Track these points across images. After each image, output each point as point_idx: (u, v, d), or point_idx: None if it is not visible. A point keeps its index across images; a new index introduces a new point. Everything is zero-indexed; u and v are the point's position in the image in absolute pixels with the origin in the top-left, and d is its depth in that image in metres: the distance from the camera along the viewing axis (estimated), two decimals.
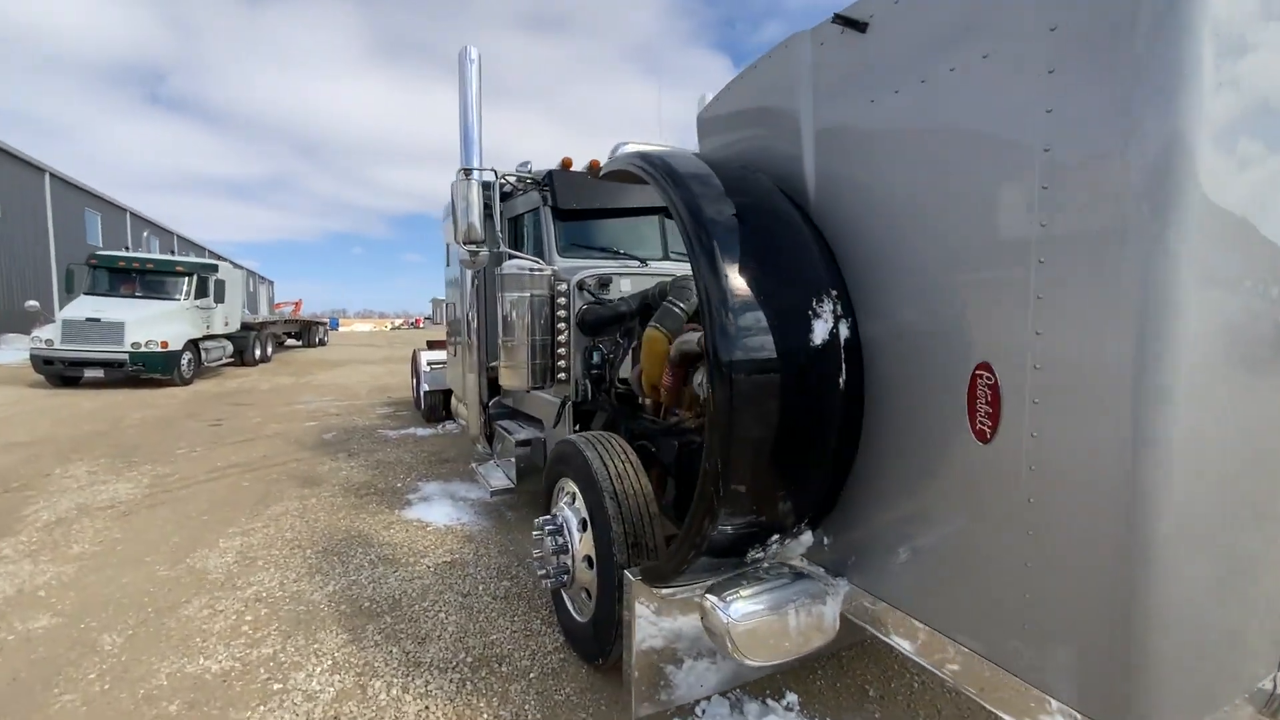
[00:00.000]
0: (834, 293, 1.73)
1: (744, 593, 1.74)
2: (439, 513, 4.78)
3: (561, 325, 3.68)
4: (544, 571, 2.87)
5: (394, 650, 2.87)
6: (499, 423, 4.86)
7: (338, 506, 4.93)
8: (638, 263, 4.02)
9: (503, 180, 3.95)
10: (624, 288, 3.75)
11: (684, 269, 4.01)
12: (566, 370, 3.56)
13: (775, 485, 1.71)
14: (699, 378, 2.58)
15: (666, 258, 4.25)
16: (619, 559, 2.38)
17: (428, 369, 8.13)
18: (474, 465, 5.06)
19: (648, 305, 3.32)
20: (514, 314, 3.71)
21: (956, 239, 1.44)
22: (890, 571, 1.72)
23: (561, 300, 3.70)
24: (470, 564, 3.85)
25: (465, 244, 3.74)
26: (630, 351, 3.42)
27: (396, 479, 5.75)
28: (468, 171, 3.76)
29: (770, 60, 2.06)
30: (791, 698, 2.49)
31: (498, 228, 3.89)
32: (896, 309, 1.65)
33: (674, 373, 2.79)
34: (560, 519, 2.85)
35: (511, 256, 3.88)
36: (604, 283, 3.67)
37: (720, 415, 1.61)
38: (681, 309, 3.09)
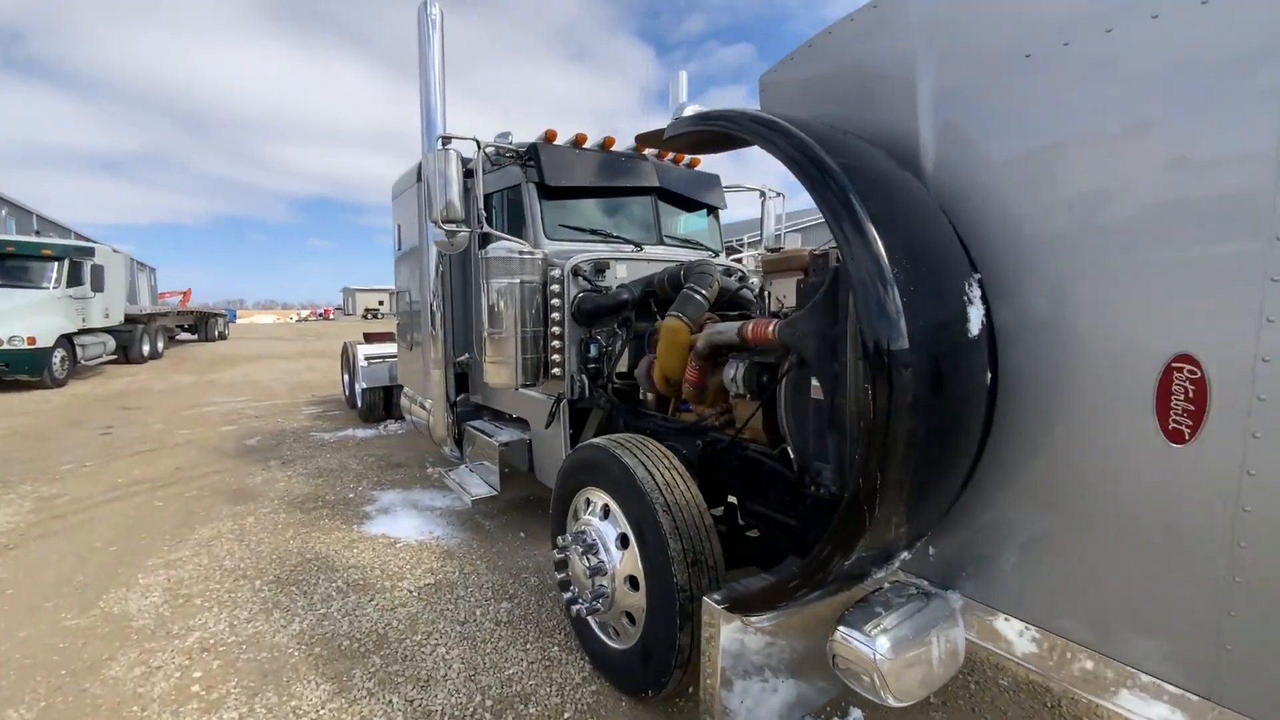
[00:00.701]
0: (976, 275, 1.53)
1: (886, 623, 1.53)
2: (406, 526, 4.26)
3: (555, 315, 3.35)
4: (573, 595, 2.53)
5: (394, 700, 2.44)
6: (469, 424, 4.44)
7: (282, 525, 4.29)
8: (632, 247, 3.74)
9: (487, 151, 3.49)
10: (620, 274, 3.50)
11: (680, 255, 3.94)
12: (560, 365, 3.28)
13: (925, 496, 1.52)
14: (731, 371, 2.39)
15: (661, 242, 4.01)
16: (679, 579, 2.10)
17: (365, 364, 7.42)
18: (442, 473, 4.57)
19: (651, 293, 3.18)
20: (501, 303, 3.34)
21: (1151, 211, 1.25)
22: (1022, 582, 1.57)
23: (555, 288, 3.36)
24: (458, 585, 3.42)
25: (444, 223, 3.27)
26: (630, 344, 3.22)
27: (346, 489, 5.12)
28: (445, 140, 3.31)
29: (866, 18, 1.80)
30: (857, 714, 2.31)
31: (480, 205, 3.44)
32: (1042, 294, 1.47)
33: (699, 366, 2.60)
34: (591, 535, 2.51)
35: (496, 238, 3.48)
36: (600, 268, 3.40)
37: (882, 420, 1.36)
38: (704, 296, 2.85)
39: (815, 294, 1.86)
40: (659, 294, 3.14)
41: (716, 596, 1.92)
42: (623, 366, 3.26)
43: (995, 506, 1.64)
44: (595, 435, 3.16)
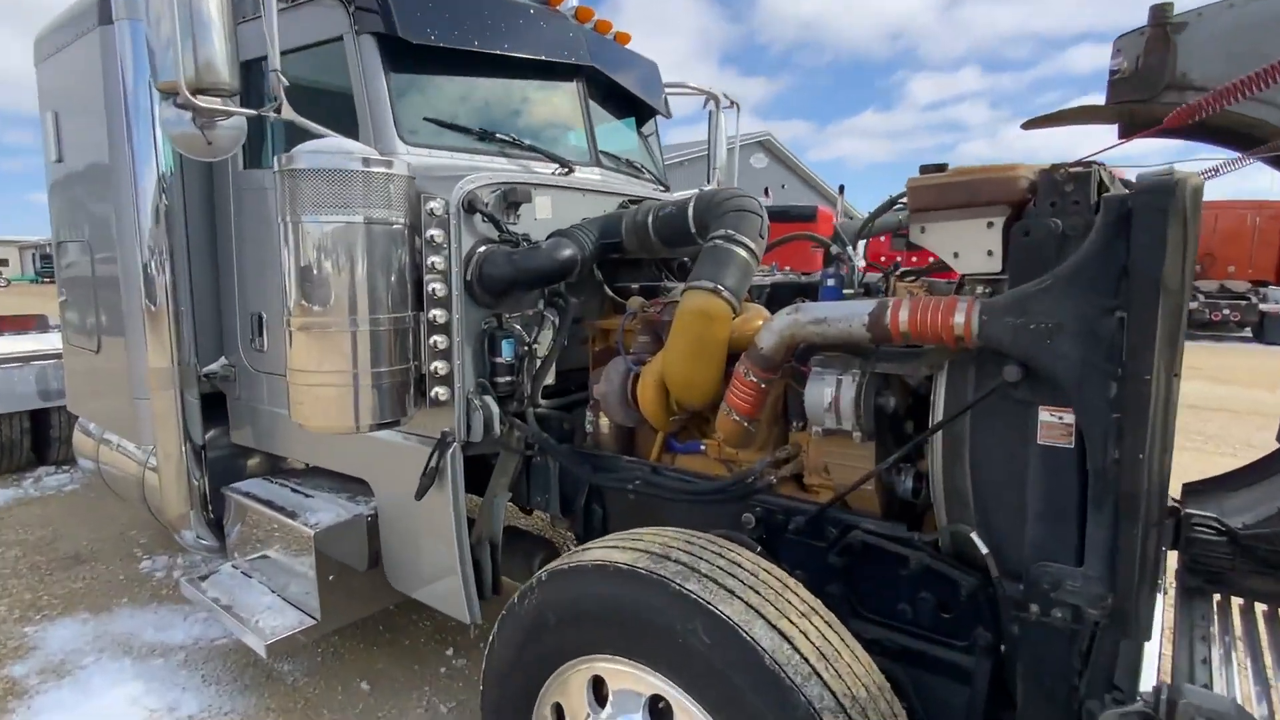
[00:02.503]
0: None
1: None
2: (119, 704, 2.73)
3: (435, 288, 2.50)
4: None
5: None
6: (234, 488, 3.33)
7: None
8: (557, 167, 3.07)
9: None
10: (541, 213, 2.79)
11: (630, 189, 3.39)
12: (448, 380, 2.53)
13: None
14: (828, 391, 1.92)
15: (597, 163, 3.37)
16: None
17: None
18: (184, 582, 3.16)
19: (612, 248, 2.65)
20: (326, 263, 2.32)
21: None
22: None
23: (435, 235, 2.47)
24: None
25: (195, 94, 2.17)
26: (574, 336, 2.78)
27: None
28: None
29: None
30: None
31: (274, 67, 2.30)
32: None
33: (761, 380, 2.03)
34: None
35: (309, 134, 2.44)
36: (514, 201, 2.64)
37: None
38: (751, 253, 2.20)
39: (1062, 251, 1.53)
40: (631, 249, 2.59)
41: None
42: (551, 379, 2.73)
43: None
44: (507, 497, 2.72)
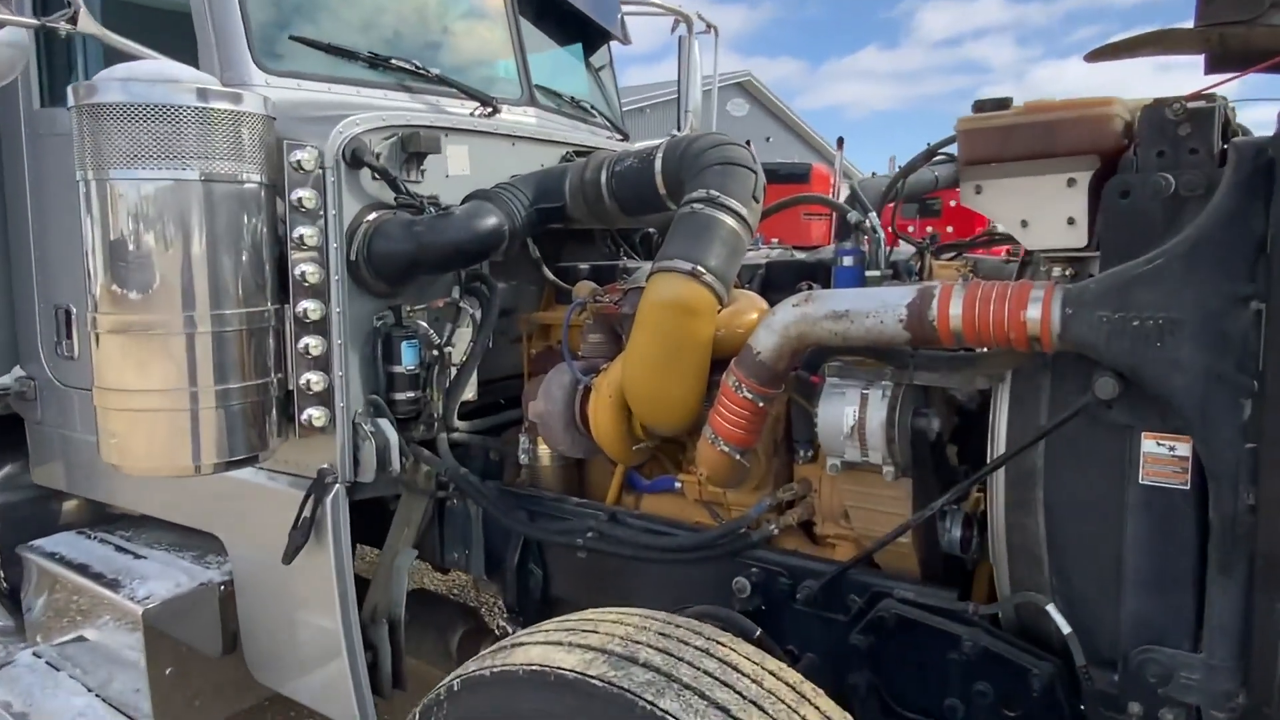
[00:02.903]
0: None
1: None
2: None
3: (305, 270, 2.50)
4: None
5: None
6: (32, 550, 3.36)
7: None
8: (478, 106, 3.15)
9: None
10: (456, 168, 2.88)
11: (578, 138, 3.51)
12: (326, 398, 2.56)
13: None
14: (849, 411, 1.98)
15: (532, 101, 3.52)
16: None
17: None
18: None
19: (552, 215, 2.74)
20: (149, 236, 2.36)
21: None
22: None
23: (303, 198, 2.46)
24: None
25: None
26: (526, 338, 2.99)
27: None
28: None
29: None
30: None
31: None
32: None
33: (760, 393, 2.07)
34: None
35: (122, 54, 2.50)
36: (416, 151, 2.72)
37: None
38: (743, 221, 2.27)
39: (1176, 218, 1.53)
40: (578, 216, 2.70)
41: None
42: (472, 393, 2.78)
43: None
44: (412, 555, 2.75)
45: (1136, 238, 1.53)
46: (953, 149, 2.26)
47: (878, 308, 1.77)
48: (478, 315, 2.67)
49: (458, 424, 2.67)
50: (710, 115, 4.69)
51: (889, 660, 1.95)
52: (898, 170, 2.28)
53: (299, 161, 2.37)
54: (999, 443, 1.75)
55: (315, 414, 2.45)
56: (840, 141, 13.47)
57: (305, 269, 2.39)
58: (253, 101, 2.33)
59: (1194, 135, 1.48)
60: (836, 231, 2.33)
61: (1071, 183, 1.64)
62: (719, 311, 2.15)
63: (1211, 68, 2.22)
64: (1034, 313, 1.57)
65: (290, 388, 2.47)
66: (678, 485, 2.39)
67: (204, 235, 2.29)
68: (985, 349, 1.78)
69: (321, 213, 2.42)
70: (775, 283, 2.58)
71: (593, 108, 3.89)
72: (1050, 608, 1.67)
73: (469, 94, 3.04)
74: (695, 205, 2.18)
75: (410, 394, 2.57)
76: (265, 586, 2.81)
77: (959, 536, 1.93)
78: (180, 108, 2.20)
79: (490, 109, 3.06)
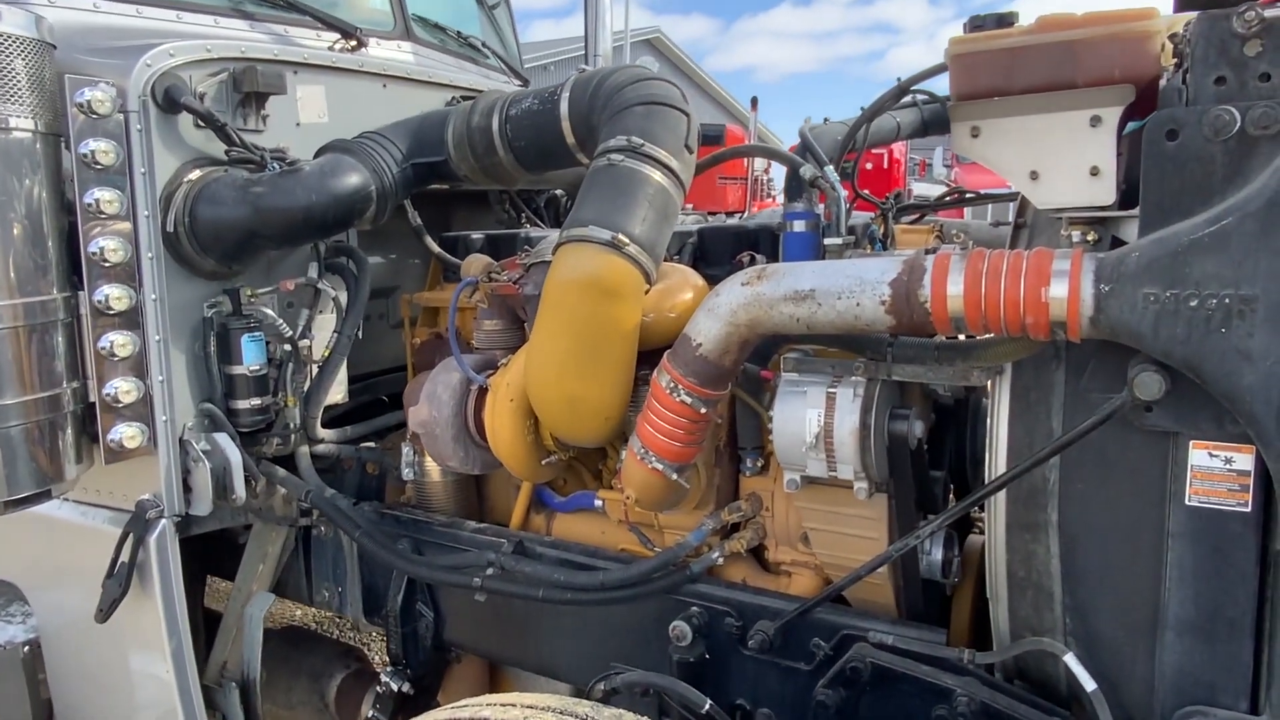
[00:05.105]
0: None
1: None
2: None
3: (107, 246, 2.24)
4: None
5: None
6: None
7: None
8: (338, 37, 2.91)
9: None
10: (308, 114, 2.70)
11: (452, 71, 3.40)
12: (141, 408, 2.34)
13: None
14: (814, 416, 1.84)
15: (408, 33, 3.30)
16: None
17: None
18: None
19: (434, 171, 2.58)
20: None
21: None
22: None
23: (99, 150, 2.19)
24: None
25: None
26: (406, 324, 2.84)
27: None
28: None
29: None
30: None
31: None
32: None
33: (695, 397, 1.92)
34: None
35: None
36: (253, 92, 2.49)
37: None
38: (673, 176, 2.08)
39: (1243, 165, 1.35)
40: (466, 173, 2.52)
41: None
42: (340, 394, 2.61)
43: None
44: (269, 600, 2.60)
45: (1189, 192, 1.32)
46: (929, 86, 2.02)
47: (852, 286, 1.52)
48: (343, 298, 2.43)
49: (322, 433, 2.45)
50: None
51: (862, 717, 1.80)
52: (859, 115, 1.98)
53: (89, 103, 2.07)
54: (999, 452, 1.56)
55: (127, 431, 2.18)
56: (754, 102, 13.35)
57: (104, 244, 2.10)
58: (19, 20, 2.00)
59: (1267, 54, 1.23)
60: (786, 189, 2.01)
61: (1096, 121, 1.42)
62: (646, 292, 1.93)
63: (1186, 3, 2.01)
64: (1059, 290, 1.34)
65: (92, 399, 2.18)
66: (598, 504, 2.18)
67: None
68: (984, 337, 1.55)
69: (125, 171, 2.14)
70: (710, 255, 2.36)
71: (485, 45, 3.66)
72: (1069, 657, 1.51)
73: (326, 22, 2.78)
74: (613, 157, 1.95)
75: (256, 400, 2.34)
76: (79, 645, 2.56)
77: (939, 559, 1.77)
78: None
79: (354, 42, 2.81)
